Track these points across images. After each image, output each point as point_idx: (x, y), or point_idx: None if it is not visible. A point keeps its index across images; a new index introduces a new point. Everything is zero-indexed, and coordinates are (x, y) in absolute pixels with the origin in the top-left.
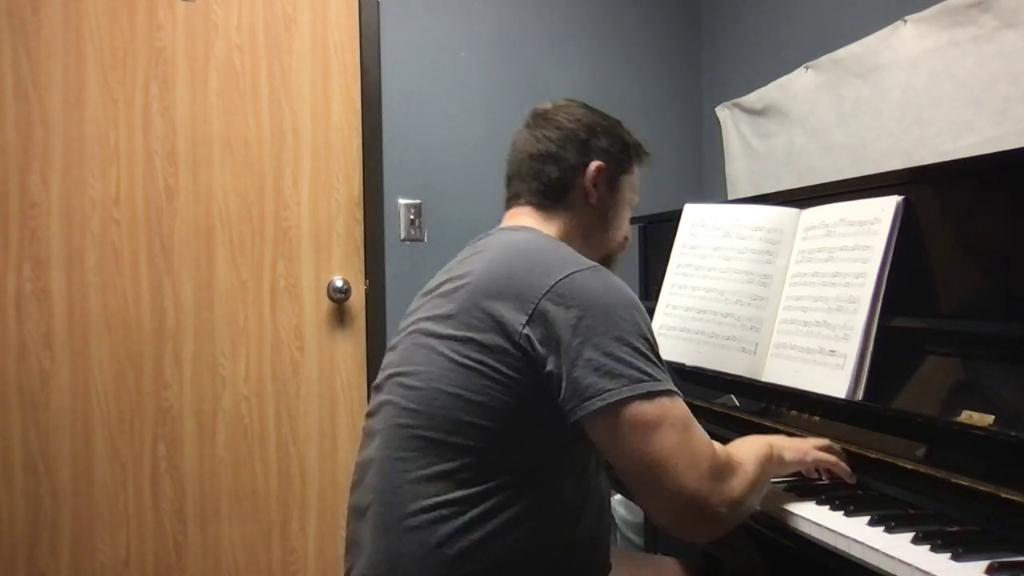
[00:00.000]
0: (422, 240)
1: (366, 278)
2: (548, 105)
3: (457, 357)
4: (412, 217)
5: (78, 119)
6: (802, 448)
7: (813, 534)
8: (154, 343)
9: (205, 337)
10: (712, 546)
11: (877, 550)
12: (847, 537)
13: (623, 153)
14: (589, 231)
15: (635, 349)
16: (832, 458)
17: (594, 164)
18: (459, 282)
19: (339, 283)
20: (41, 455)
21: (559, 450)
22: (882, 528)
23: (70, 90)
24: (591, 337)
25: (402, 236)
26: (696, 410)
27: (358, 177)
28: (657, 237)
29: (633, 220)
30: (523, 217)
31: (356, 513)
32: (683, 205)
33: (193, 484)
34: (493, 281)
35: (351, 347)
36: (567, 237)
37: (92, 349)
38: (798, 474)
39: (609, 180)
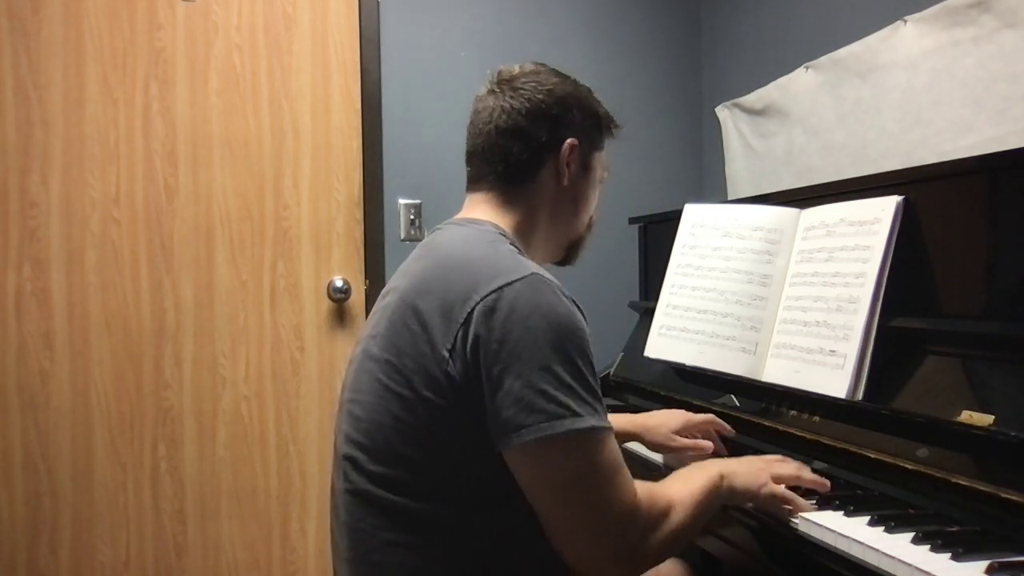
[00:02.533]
0: (422, 240)
1: (366, 278)
2: (515, 69)
3: (391, 384)
4: (412, 217)
5: (78, 119)
6: (757, 481)
7: (813, 534)
8: (154, 343)
9: (205, 337)
10: (712, 546)
11: (877, 550)
12: (847, 537)
13: (596, 128)
14: (557, 214)
15: (558, 379)
16: (788, 494)
17: (567, 142)
18: (396, 295)
19: (339, 283)
20: (41, 455)
21: (503, 472)
22: (882, 528)
23: (70, 90)
24: (512, 364)
25: (402, 236)
26: (696, 410)
27: (358, 177)
28: (657, 237)
29: (633, 220)
30: (480, 206)
31: (333, 537)
32: (683, 205)
33: (193, 484)
34: (420, 295)
35: (351, 347)
36: (531, 223)
37: (92, 349)
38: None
39: (582, 158)
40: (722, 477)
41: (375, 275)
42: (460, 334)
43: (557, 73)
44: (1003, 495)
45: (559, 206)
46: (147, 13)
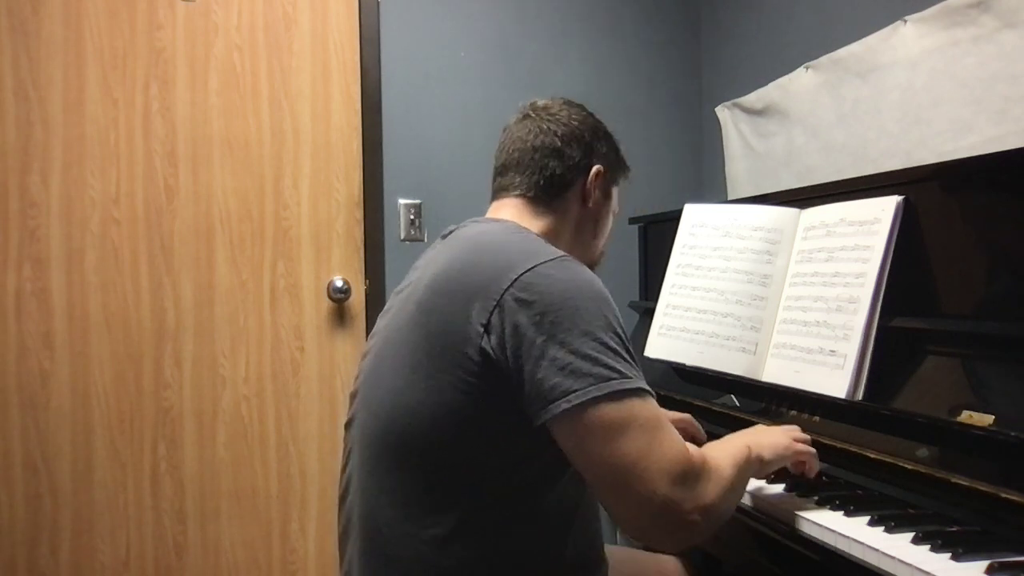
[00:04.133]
0: (422, 240)
1: (366, 278)
2: (548, 101)
3: (419, 369)
4: (412, 217)
5: (78, 119)
6: (781, 443)
7: (813, 534)
8: (154, 343)
9: (205, 337)
10: (712, 546)
11: (877, 550)
12: (847, 537)
13: (617, 163)
14: (580, 234)
15: (603, 344)
16: (810, 450)
17: (595, 167)
18: (423, 281)
19: (339, 283)
20: (41, 455)
21: (533, 460)
22: (882, 528)
23: (70, 90)
24: (556, 334)
25: (402, 236)
26: (696, 410)
27: (358, 177)
28: (657, 237)
29: (633, 220)
30: (507, 210)
31: (343, 532)
32: (683, 205)
33: (193, 484)
34: (452, 279)
35: (351, 347)
36: (554, 236)
37: (92, 349)
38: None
39: (605, 186)
40: (750, 449)
41: (375, 275)
42: (497, 309)
43: (586, 109)
44: (1003, 495)
45: (581, 226)
46: (147, 13)
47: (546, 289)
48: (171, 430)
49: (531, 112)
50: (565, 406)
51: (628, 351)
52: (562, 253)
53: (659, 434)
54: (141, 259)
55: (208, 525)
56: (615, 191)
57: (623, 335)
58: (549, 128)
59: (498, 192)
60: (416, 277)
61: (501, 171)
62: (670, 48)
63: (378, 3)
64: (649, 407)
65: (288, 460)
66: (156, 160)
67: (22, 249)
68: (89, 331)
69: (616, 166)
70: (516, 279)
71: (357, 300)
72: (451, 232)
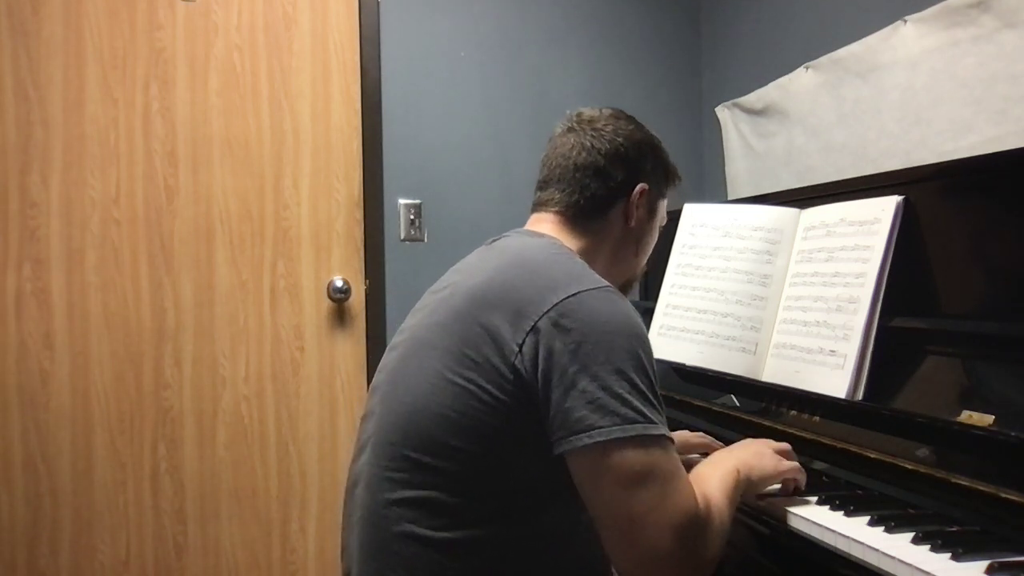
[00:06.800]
0: (422, 240)
1: (366, 278)
2: (595, 112)
3: (447, 373)
4: (412, 217)
5: (78, 119)
6: (768, 467)
7: (813, 534)
8: (154, 343)
9: (205, 337)
10: None
11: (877, 550)
12: (847, 537)
13: (664, 176)
14: (619, 253)
15: (633, 386)
16: (795, 467)
17: (639, 186)
18: (462, 287)
19: (339, 283)
20: (41, 455)
21: (547, 476)
22: (882, 528)
23: (70, 90)
24: (589, 366)
25: (402, 236)
26: (696, 410)
27: (358, 177)
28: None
29: None
30: (546, 225)
31: (347, 522)
32: (683, 205)
33: (193, 484)
34: (494, 291)
35: (351, 347)
36: (592, 255)
37: (92, 349)
38: None
39: (649, 203)
40: (738, 472)
41: (375, 275)
42: (534, 331)
43: (634, 121)
44: (1003, 495)
45: (623, 245)
46: (147, 13)
47: (586, 318)
48: (171, 430)
49: (576, 125)
50: (588, 441)
51: (656, 396)
52: (605, 283)
53: (673, 485)
54: (141, 259)
55: (208, 525)
56: (662, 204)
57: (653, 378)
58: (592, 145)
59: (537, 205)
60: (455, 281)
61: (542, 185)
62: (670, 48)
63: (378, 3)
64: (669, 458)
65: (288, 460)
66: (156, 160)
67: (22, 249)
68: (89, 331)
69: (663, 180)
70: (558, 303)
71: (357, 300)
72: (495, 241)
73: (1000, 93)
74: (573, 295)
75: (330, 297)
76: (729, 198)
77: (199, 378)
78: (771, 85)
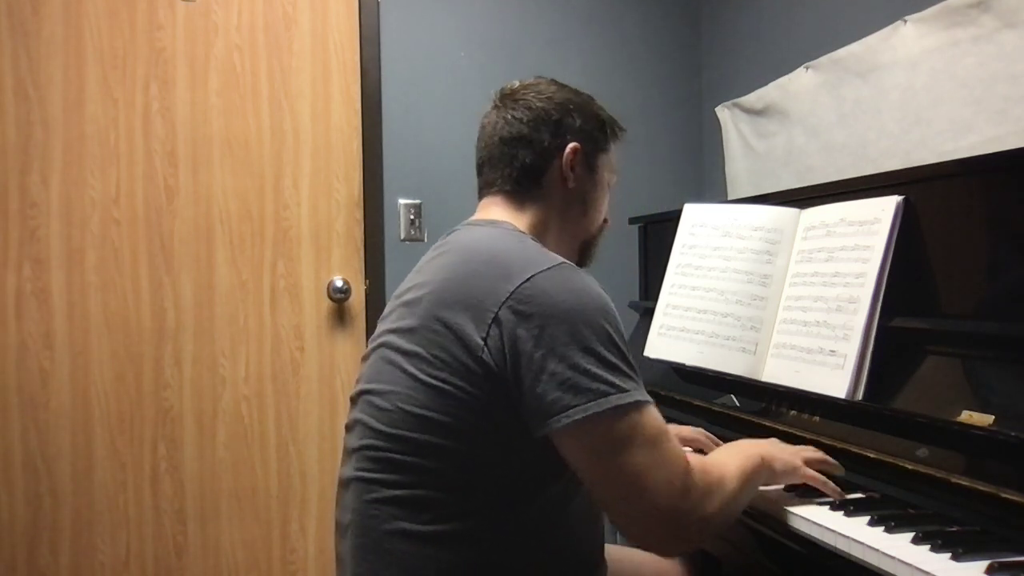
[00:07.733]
0: (422, 240)
1: (366, 278)
2: (516, 84)
3: (421, 375)
4: (412, 217)
5: (78, 119)
6: (793, 463)
7: (813, 534)
8: (154, 343)
9: (205, 337)
10: (712, 545)
11: (877, 550)
12: (847, 537)
13: (599, 131)
14: (567, 216)
15: (600, 359)
16: (820, 477)
17: (569, 145)
18: (421, 291)
19: (339, 283)
20: (41, 455)
21: (532, 464)
22: (882, 528)
23: (70, 90)
24: (555, 348)
25: (402, 236)
26: (696, 410)
27: (358, 177)
28: (657, 237)
29: (633, 220)
30: (494, 209)
31: (338, 530)
32: (683, 205)
33: (193, 484)
34: (451, 290)
35: (351, 347)
36: (543, 225)
37: (92, 349)
38: None
39: (586, 160)
40: (763, 459)
41: (375, 275)
42: (495, 322)
43: (555, 82)
44: (1003, 495)
45: (568, 208)
46: (147, 13)
47: (544, 301)
48: (171, 430)
49: (499, 102)
50: (565, 421)
51: (627, 361)
52: (560, 260)
53: (661, 446)
54: (141, 259)
55: (208, 525)
56: (604, 158)
57: (622, 344)
58: (514, 117)
59: (482, 190)
60: (417, 283)
61: (480, 169)
62: (670, 48)
63: (378, 3)
64: (649, 419)
65: (288, 460)
66: (156, 160)
67: (22, 249)
68: (89, 331)
69: (598, 135)
70: (514, 291)
71: (357, 300)
72: (447, 237)
73: (1000, 93)
74: (528, 280)
75: (330, 297)
76: (729, 198)
77: (199, 378)
78: (771, 85)
